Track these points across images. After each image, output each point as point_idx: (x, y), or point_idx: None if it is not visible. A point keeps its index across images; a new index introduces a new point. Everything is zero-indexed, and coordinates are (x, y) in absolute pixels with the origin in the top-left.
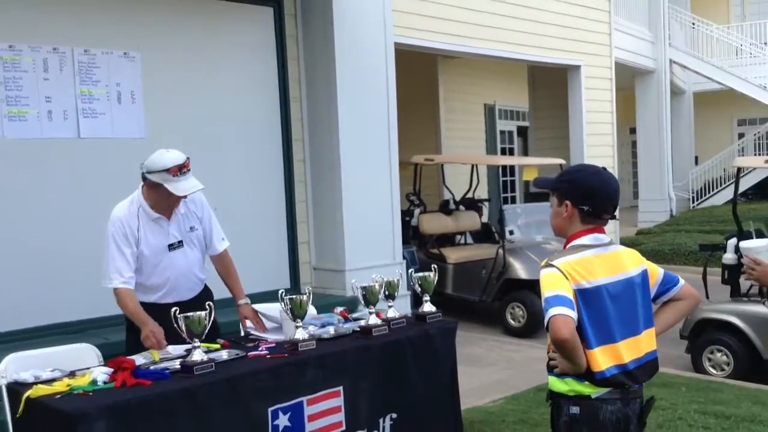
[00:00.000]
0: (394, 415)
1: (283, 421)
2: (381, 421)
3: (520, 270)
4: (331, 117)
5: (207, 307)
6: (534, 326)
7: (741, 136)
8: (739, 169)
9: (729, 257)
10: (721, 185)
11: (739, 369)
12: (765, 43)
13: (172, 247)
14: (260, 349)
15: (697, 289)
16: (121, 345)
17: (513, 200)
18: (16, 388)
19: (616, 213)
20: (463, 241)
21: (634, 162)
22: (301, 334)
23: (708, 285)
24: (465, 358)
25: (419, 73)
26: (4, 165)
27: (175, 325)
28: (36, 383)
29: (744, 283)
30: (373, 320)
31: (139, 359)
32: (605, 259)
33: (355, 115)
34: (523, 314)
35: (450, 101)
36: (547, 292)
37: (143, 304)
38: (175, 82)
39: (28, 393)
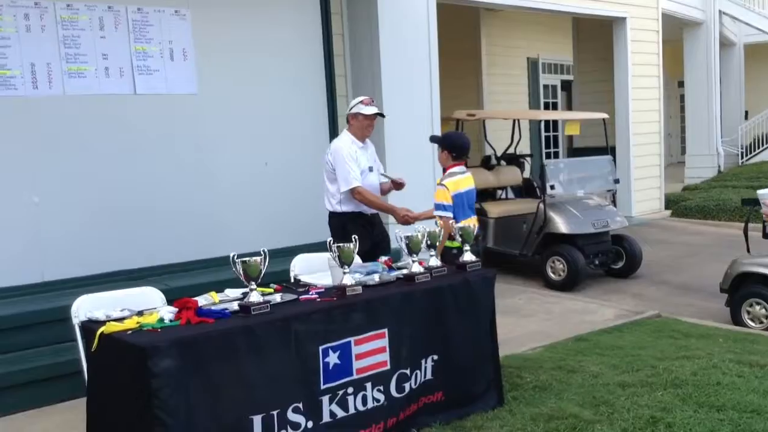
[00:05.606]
0: (435, 357)
1: (333, 358)
2: (423, 361)
3: (560, 224)
4: (374, 72)
5: (262, 252)
6: (574, 280)
7: None
8: None
9: None
10: None
11: None
12: None
13: (370, 168)
14: (310, 293)
15: (740, 244)
16: (177, 291)
17: (556, 155)
18: (90, 326)
19: (469, 155)
20: (504, 196)
21: (682, 116)
22: (348, 280)
23: (749, 239)
24: (505, 309)
25: (461, 27)
26: (66, 120)
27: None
28: (108, 321)
29: None
30: (416, 268)
31: (200, 300)
32: (464, 180)
33: (398, 70)
34: (563, 268)
35: (492, 55)
36: (438, 201)
37: (349, 212)
38: (224, 39)
39: (102, 329)
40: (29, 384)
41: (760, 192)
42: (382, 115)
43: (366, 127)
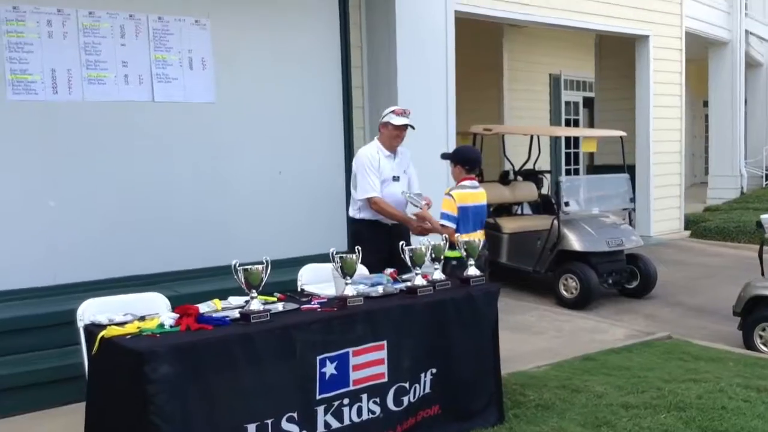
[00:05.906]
0: (434, 370)
1: (330, 369)
2: (422, 375)
3: (574, 242)
4: (390, 82)
5: (264, 261)
6: (587, 298)
7: None
8: None
9: None
10: None
11: None
12: None
13: (395, 178)
14: (312, 303)
15: (755, 267)
16: (187, 297)
17: (576, 172)
18: (92, 329)
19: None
20: (519, 212)
21: (707, 136)
22: (350, 291)
23: (764, 262)
24: (516, 325)
25: (484, 42)
26: (85, 125)
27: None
28: (110, 325)
29: None
30: (419, 281)
31: (203, 307)
32: (474, 194)
33: (416, 81)
34: (576, 286)
35: (514, 71)
36: (443, 210)
37: (366, 220)
38: (243, 49)
39: (102, 333)
40: (34, 386)
41: (763, 216)
42: (412, 126)
43: (395, 137)
